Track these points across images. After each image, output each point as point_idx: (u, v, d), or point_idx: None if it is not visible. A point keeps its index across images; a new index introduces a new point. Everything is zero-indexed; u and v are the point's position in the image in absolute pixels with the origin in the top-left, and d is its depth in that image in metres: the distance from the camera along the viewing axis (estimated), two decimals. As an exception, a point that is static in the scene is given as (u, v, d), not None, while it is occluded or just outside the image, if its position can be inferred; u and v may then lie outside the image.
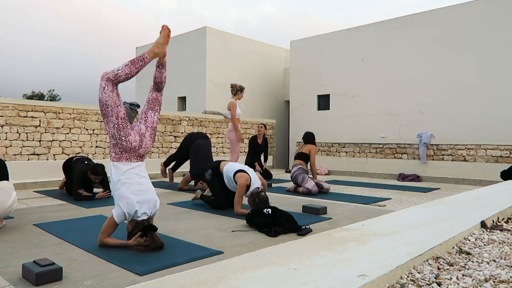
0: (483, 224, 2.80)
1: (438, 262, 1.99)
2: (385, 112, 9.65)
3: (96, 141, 7.20)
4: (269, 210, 3.44)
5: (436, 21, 8.86)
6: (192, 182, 6.26)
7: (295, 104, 11.52)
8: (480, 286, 1.68)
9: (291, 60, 11.67)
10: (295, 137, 10.92)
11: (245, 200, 4.58)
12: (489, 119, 8.13)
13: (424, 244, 2.13)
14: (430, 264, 1.96)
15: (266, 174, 7.78)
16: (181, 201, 4.97)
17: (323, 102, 10.99)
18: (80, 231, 3.32)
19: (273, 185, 6.90)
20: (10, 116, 6.20)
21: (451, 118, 8.61)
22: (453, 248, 2.29)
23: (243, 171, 4.20)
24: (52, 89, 38.23)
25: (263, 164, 8.12)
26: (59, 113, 6.72)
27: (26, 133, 6.35)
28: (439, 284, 1.69)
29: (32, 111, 6.43)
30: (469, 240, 2.47)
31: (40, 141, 6.51)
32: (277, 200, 5.16)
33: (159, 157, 8.20)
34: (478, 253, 2.20)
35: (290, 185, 6.35)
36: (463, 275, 1.82)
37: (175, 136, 8.59)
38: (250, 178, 4.12)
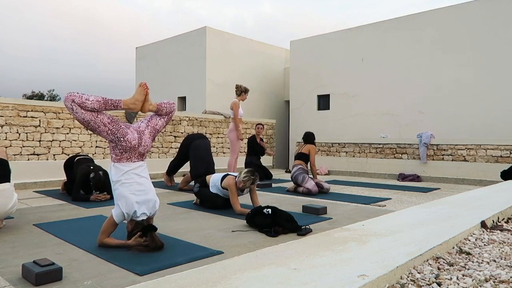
0: (483, 224, 2.80)
1: (438, 262, 1.99)
2: (385, 112, 9.65)
3: (96, 141, 7.20)
4: (269, 210, 3.44)
5: (436, 21, 8.86)
6: (192, 182, 6.25)
7: (295, 104, 11.52)
8: (480, 286, 1.68)
9: (291, 60, 11.67)
10: (295, 137, 10.92)
11: (245, 200, 4.59)
12: (489, 119, 8.13)
13: (424, 244, 2.12)
14: (430, 264, 1.96)
15: (266, 174, 7.78)
16: (181, 201, 4.98)
17: (323, 102, 10.99)
18: (80, 231, 3.32)
19: (273, 185, 6.90)
20: (10, 116, 6.19)
21: (451, 118, 8.61)
22: (453, 248, 2.29)
23: (228, 175, 4.36)
24: (52, 89, 38.31)
25: (261, 164, 8.12)
26: (59, 113, 6.72)
27: (26, 133, 6.35)
28: (439, 284, 1.69)
29: (32, 111, 6.43)
30: (469, 240, 2.47)
31: (40, 141, 6.50)
32: (277, 200, 5.16)
33: (159, 157, 8.20)
34: (478, 253, 2.20)
35: (290, 185, 6.35)
36: (463, 275, 1.82)
37: (175, 136, 8.59)
38: (235, 176, 4.26)
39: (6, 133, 6.14)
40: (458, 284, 1.70)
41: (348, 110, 10.33)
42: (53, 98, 37.49)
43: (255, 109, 12.13)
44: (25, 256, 2.61)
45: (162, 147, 8.33)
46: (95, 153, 7.14)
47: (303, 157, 6.18)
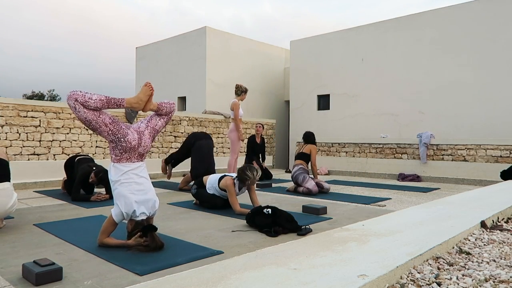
0: (483, 224, 2.80)
1: (438, 262, 1.99)
2: (385, 112, 9.65)
3: (96, 141, 7.20)
4: (269, 210, 3.44)
5: (436, 21, 8.86)
6: (192, 182, 6.25)
7: (295, 104, 11.52)
8: (480, 286, 1.68)
9: (291, 60, 11.67)
10: (295, 137, 10.92)
11: (245, 200, 4.59)
12: (489, 119, 8.13)
13: (424, 244, 2.13)
14: (430, 264, 1.96)
15: (266, 174, 7.79)
16: (181, 201, 4.98)
17: (323, 102, 10.99)
18: (80, 231, 3.32)
19: (273, 185, 6.90)
20: (10, 116, 6.20)
21: (451, 118, 8.61)
22: (453, 248, 2.29)
23: (225, 175, 4.38)
24: (52, 89, 38.31)
25: (262, 163, 8.12)
26: (59, 113, 6.72)
27: (26, 133, 6.35)
28: (439, 284, 1.69)
29: (32, 111, 6.43)
30: (469, 240, 2.47)
31: (40, 141, 6.50)
32: (277, 200, 5.16)
33: (159, 157, 8.20)
34: (478, 253, 2.20)
35: (290, 185, 6.35)
36: (463, 275, 1.82)
37: (175, 136, 8.59)
38: (233, 177, 4.27)
39: (6, 133, 6.14)
40: (458, 284, 1.70)
41: (348, 110, 10.33)
42: (53, 98, 37.49)
43: (255, 109, 12.13)
44: (25, 256, 2.61)
45: (162, 147, 8.33)
46: (95, 153, 7.14)
47: (304, 157, 6.17)
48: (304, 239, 2.32)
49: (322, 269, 1.69)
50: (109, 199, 4.84)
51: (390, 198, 5.45)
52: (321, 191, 5.86)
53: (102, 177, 4.72)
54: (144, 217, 2.85)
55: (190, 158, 6.12)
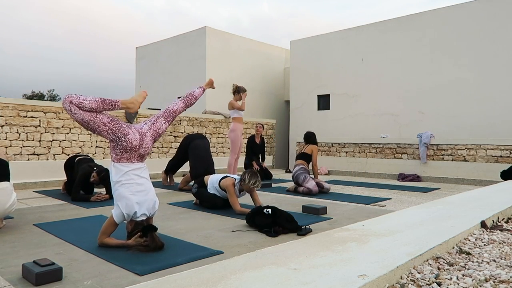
0: (483, 224, 2.80)
1: (438, 262, 1.99)
2: (385, 112, 9.65)
3: (96, 141, 7.20)
4: (269, 210, 3.44)
5: (436, 21, 8.86)
6: (192, 182, 6.25)
7: (295, 104, 11.52)
8: (480, 286, 1.68)
9: (291, 60, 11.67)
10: (295, 137, 10.92)
11: (245, 200, 4.58)
12: (489, 119, 8.13)
13: (424, 244, 2.12)
14: (430, 264, 1.96)
15: (266, 174, 7.79)
16: (181, 201, 4.97)
17: (323, 102, 10.99)
18: (80, 231, 3.32)
19: (273, 185, 6.90)
20: (10, 116, 6.20)
21: (451, 118, 8.61)
22: (453, 248, 2.29)
23: (226, 176, 4.38)
24: (52, 89, 38.29)
25: (261, 164, 8.12)
26: (59, 113, 6.72)
27: (26, 133, 6.35)
28: (439, 284, 1.69)
29: (32, 111, 6.43)
30: (469, 240, 2.47)
31: (40, 141, 6.50)
32: (277, 200, 5.16)
33: (159, 157, 8.20)
34: (478, 253, 2.20)
35: (290, 185, 6.35)
36: (463, 275, 1.82)
37: (175, 136, 8.59)
38: (235, 178, 4.28)
39: (6, 133, 6.14)
40: (458, 284, 1.70)
41: (348, 110, 10.33)
42: (53, 98, 37.49)
43: (255, 109, 12.13)
44: (25, 256, 2.61)
45: (162, 147, 8.34)
46: (95, 153, 7.14)
47: (305, 157, 6.17)
48: (304, 239, 2.32)
49: (322, 269, 1.69)
50: (109, 199, 4.84)
51: (390, 198, 5.45)
52: (321, 191, 5.86)
53: (104, 176, 4.72)
54: (145, 218, 2.85)
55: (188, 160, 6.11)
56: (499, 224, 2.99)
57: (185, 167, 6.51)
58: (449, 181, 7.77)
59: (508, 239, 2.56)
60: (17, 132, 6.26)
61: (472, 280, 1.74)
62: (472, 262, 2.05)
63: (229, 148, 9.43)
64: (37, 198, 5.16)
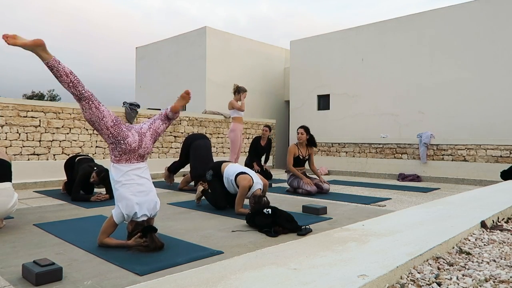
0: (483, 224, 2.80)
1: (438, 262, 1.99)
2: (385, 112, 9.65)
3: (96, 141, 7.20)
4: (269, 210, 3.43)
5: (436, 21, 8.86)
6: (192, 183, 6.25)
7: (295, 104, 11.52)
8: (480, 286, 1.68)
9: (291, 60, 11.67)
10: (295, 137, 10.91)
11: (245, 201, 4.58)
12: (489, 119, 8.13)
13: (424, 244, 2.12)
14: (430, 264, 1.96)
15: (266, 174, 7.78)
16: (181, 201, 4.97)
17: (323, 102, 10.99)
18: (80, 231, 3.32)
19: (273, 185, 6.90)
20: (10, 116, 6.20)
21: (451, 118, 8.61)
22: (453, 248, 2.29)
23: (245, 173, 4.20)
24: (52, 89, 38.27)
25: (263, 165, 8.11)
26: (59, 113, 6.72)
27: (26, 133, 6.35)
28: (439, 284, 1.69)
29: (32, 111, 6.43)
30: (469, 240, 2.47)
31: (40, 141, 6.51)
32: (277, 200, 5.16)
33: (159, 157, 8.20)
34: (478, 253, 2.20)
35: (290, 185, 6.34)
36: (463, 275, 1.82)
37: (175, 136, 8.59)
38: (253, 179, 4.12)
39: (6, 133, 6.14)
40: (458, 284, 1.70)
41: (348, 110, 10.33)
42: (53, 98, 37.49)
43: (255, 109, 12.13)
44: (25, 256, 2.61)
45: (162, 147, 8.34)
46: (95, 153, 7.15)
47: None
48: (304, 239, 2.32)
49: (322, 269, 1.69)
50: (109, 199, 4.84)
51: (390, 198, 5.45)
52: (321, 192, 5.85)
53: (104, 176, 4.71)
54: (145, 218, 2.85)
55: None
56: (499, 224, 2.99)
57: (185, 168, 6.50)
58: (449, 181, 7.77)
59: (508, 239, 2.56)
60: (17, 132, 6.26)
61: (472, 280, 1.74)
62: (472, 262, 2.05)
63: (229, 148, 9.44)
64: (37, 198, 5.16)
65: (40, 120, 6.50)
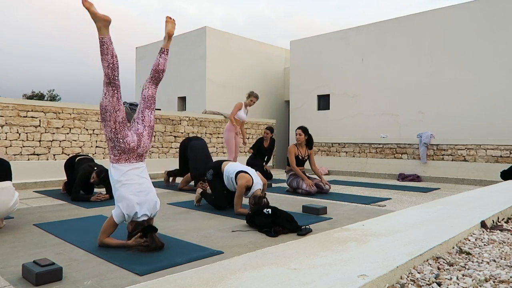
0: (483, 224, 2.80)
1: (438, 262, 1.99)
2: (385, 112, 9.65)
3: (96, 141, 7.20)
4: (269, 210, 3.43)
5: (436, 21, 8.86)
6: (192, 182, 6.25)
7: (295, 104, 11.52)
8: (480, 286, 1.68)
9: (291, 60, 11.67)
10: (295, 137, 10.91)
11: (245, 200, 4.58)
12: (489, 119, 8.13)
13: (424, 244, 2.12)
14: (430, 264, 1.96)
15: (266, 174, 7.78)
16: (181, 201, 4.97)
17: (323, 102, 10.99)
18: (80, 231, 3.32)
19: (273, 185, 6.90)
20: (10, 116, 6.20)
21: (451, 118, 8.61)
22: (453, 248, 2.29)
23: (245, 172, 4.18)
24: (52, 89, 38.31)
25: (264, 165, 8.13)
26: (59, 113, 6.72)
27: (26, 133, 6.35)
28: (439, 284, 1.69)
29: (32, 111, 6.43)
30: (469, 240, 2.47)
31: (40, 141, 6.51)
32: (277, 200, 5.16)
33: (159, 157, 8.20)
34: (478, 253, 2.20)
35: (290, 185, 6.34)
36: (463, 275, 1.82)
37: (175, 136, 8.59)
38: (252, 179, 4.11)
39: (6, 133, 6.14)
40: (458, 284, 1.70)
41: (348, 110, 10.33)
42: (53, 98, 37.50)
43: (255, 109, 12.12)
44: (25, 256, 2.61)
45: (162, 147, 8.33)
46: (95, 153, 7.15)
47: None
48: (304, 239, 2.32)
49: (322, 269, 1.69)
50: (109, 199, 4.84)
51: (390, 198, 5.45)
52: (321, 192, 5.85)
53: (104, 177, 4.72)
54: (146, 218, 2.85)
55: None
56: (499, 224, 2.99)
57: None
58: (449, 181, 7.77)
59: (508, 239, 2.56)
60: (17, 132, 6.26)
61: (472, 280, 1.74)
62: (472, 262, 2.05)
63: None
64: (37, 198, 5.16)
65: (40, 120, 6.50)
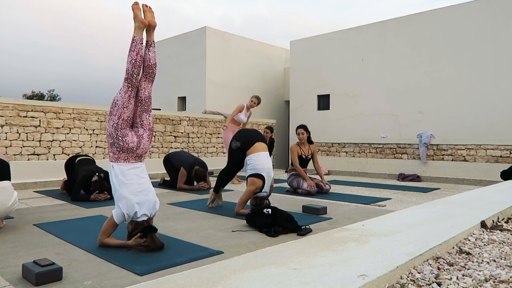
0: (483, 224, 2.80)
1: (438, 262, 1.99)
2: (385, 112, 9.65)
3: (96, 141, 7.20)
4: (269, 210, 3.44)
5: (436, 21, 8.86)
6: (195, 183, 6.25)
7: (295, 104, 11.52)
8: (480, 286, 1.68)
9: (291, 60, 11.67)
10: (295, 137, 10.90)
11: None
12: (489, 119, 8.13)
13: (424, 244, 2.12)
14: (430, 264, 1.96)
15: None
16: (181, 201, 4.97)
17: (323, 102, 10.99)
18: (80, 231, 3.32)
19: (273, 185, 6.90)
20: (10, 116, 6.20)
21: (451, 118, 8.61)
22: (453, 248, 2.29)
23: (261, 177, 4.01)
24: (52, 89, 38.32)
25: None
26: (59, 113, 6.72)
27: (26, 133, 6.35)
28: (439, 284, 1.69)
29: (32, 111, 6.43)
30: (469, 240, 2.47)
31: (40, 141, 6.50)
32: (277, 200, 5.16)
33: (159, 157, 8.20)
34: (478, 253, 2.20)
35: (290, 185, 6.34)
36: (463, 275, 1.82)
37: (175, 136, 8.59)
38: (263, 186, 4.01)
39: (6, 133, 6.14)
40: (458, 284, 1.70)
41: (348, 110, 10.33)
42: (53, 98, 37.51)
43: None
44: (25, 256, 2.61)
45: (162, 147, 8.33)
46: (95, 153, 7.14)
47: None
48: (304, 239, 2.32)
49: (322, 269, 1.69)
50: (109, 199, 4.84)
51: (390, 198, 5.45)
52: (321, 192, 5.85)
53: (106, 179, 4.75)
54: (145, 218, 2.85)
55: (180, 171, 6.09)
56: (499, 224, 2.99)
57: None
58: (449, 181, 7.77)
59: (508, 239, 2.56)
60: (17, 132, 6.26)
61: (472, 280, 1.74)
62: (472, 262, 2.05)
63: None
64: (37, 198, 5.16)
65: (40, 120, 6.50)
